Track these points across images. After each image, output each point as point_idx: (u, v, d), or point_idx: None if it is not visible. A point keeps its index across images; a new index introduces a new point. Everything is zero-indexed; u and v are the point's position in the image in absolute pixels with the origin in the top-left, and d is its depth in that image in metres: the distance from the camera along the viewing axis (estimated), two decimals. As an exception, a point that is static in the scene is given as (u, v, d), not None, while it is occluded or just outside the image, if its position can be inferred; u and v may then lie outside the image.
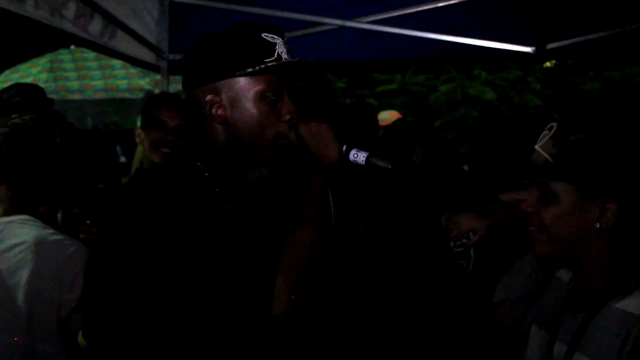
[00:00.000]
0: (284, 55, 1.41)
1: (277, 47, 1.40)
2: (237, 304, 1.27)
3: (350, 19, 3.91)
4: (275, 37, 1.41)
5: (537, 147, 1.47)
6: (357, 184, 2.33)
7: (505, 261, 2.20)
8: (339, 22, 3.93)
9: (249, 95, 1.41)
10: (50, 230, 1.92)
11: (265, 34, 1.40)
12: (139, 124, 2.80)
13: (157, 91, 4.91)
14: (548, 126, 1.46)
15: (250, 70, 1.39)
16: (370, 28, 3.91)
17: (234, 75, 1.40)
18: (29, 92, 2.91)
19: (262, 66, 1.38)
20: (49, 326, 1.88)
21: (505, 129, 3.32)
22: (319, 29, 4.05)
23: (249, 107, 1.42)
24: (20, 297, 1.83)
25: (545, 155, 1.43)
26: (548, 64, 9.96)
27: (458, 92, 10.82)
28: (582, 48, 3.94)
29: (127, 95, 7.50)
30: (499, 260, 2.26)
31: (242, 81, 1.41)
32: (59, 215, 2.40)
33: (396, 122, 4.15)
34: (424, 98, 11.09)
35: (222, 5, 3.80)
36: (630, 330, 1.32)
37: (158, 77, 4.86)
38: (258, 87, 1.41)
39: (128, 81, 7.39)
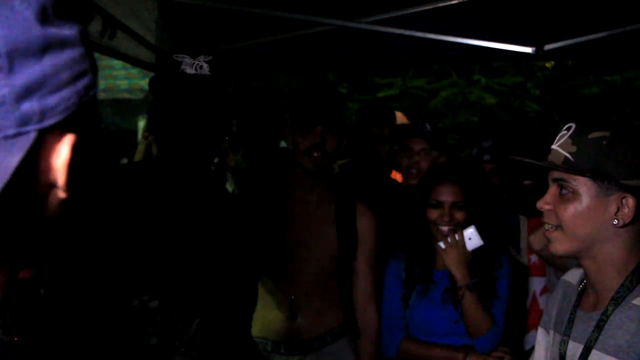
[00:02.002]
0: (188, 71, 1.61)
1: (182, 65, 1.61)
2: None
3: (350, 19, 3.91)
4: (185, 56, 1.61)
5: (554, 146, 1.48)
6: None
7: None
8: (339, 22, 3.93)
9: None
10: None
11: (176, 55, 1.62)
12: (140, 124, 2.80)
13: (157, 92, 4.92)
14: (566, 127, 1.48)
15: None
16: (370, 28, 3.90)
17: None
18: None
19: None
20: None
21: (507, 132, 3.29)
22: (319, 29, 4.05)
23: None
24: None
25: (565, 153, 1.44)
26: (548, 64, 9.98)
27: (458, 98, 10.85)
28: (582, 48, 3.94)
29: (127, 95, 7.53)
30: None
31: None
32: None
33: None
34: (425, 102, 11.12)
35: (223, 5, 3.80)
36: None
37: (158, 77, 4.86)
38: None
39: (128, 82, 7.41)
